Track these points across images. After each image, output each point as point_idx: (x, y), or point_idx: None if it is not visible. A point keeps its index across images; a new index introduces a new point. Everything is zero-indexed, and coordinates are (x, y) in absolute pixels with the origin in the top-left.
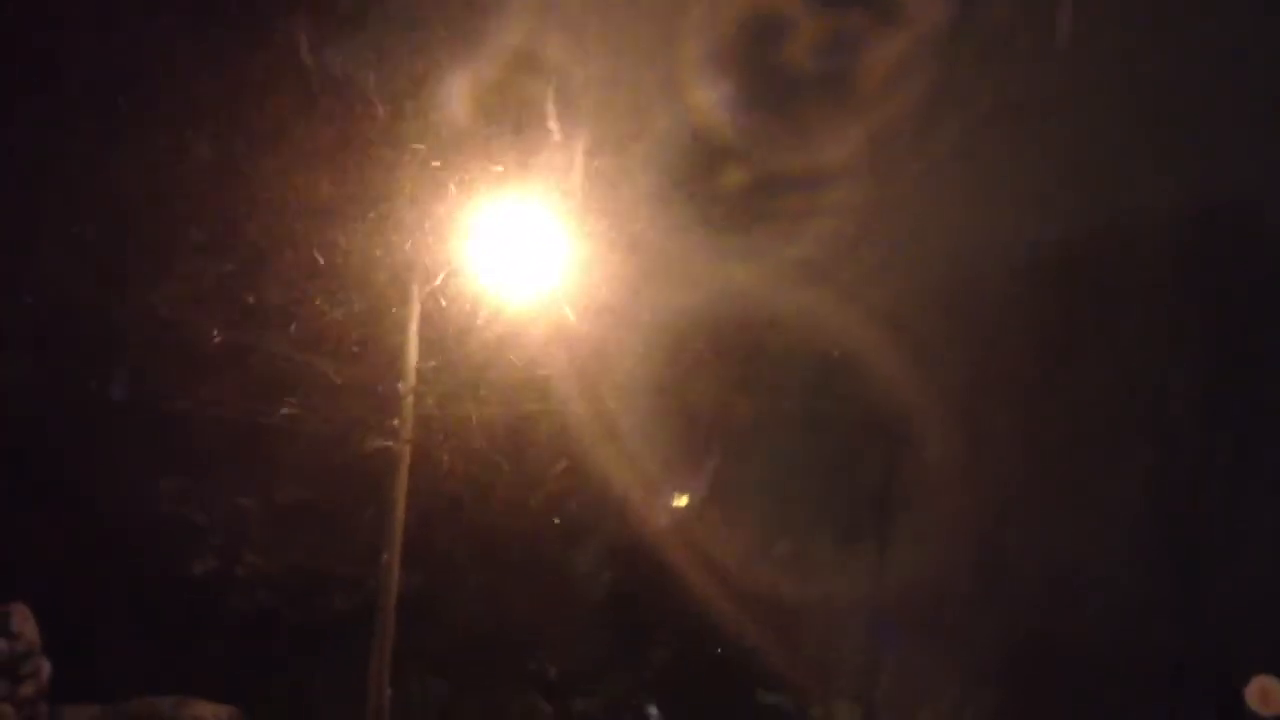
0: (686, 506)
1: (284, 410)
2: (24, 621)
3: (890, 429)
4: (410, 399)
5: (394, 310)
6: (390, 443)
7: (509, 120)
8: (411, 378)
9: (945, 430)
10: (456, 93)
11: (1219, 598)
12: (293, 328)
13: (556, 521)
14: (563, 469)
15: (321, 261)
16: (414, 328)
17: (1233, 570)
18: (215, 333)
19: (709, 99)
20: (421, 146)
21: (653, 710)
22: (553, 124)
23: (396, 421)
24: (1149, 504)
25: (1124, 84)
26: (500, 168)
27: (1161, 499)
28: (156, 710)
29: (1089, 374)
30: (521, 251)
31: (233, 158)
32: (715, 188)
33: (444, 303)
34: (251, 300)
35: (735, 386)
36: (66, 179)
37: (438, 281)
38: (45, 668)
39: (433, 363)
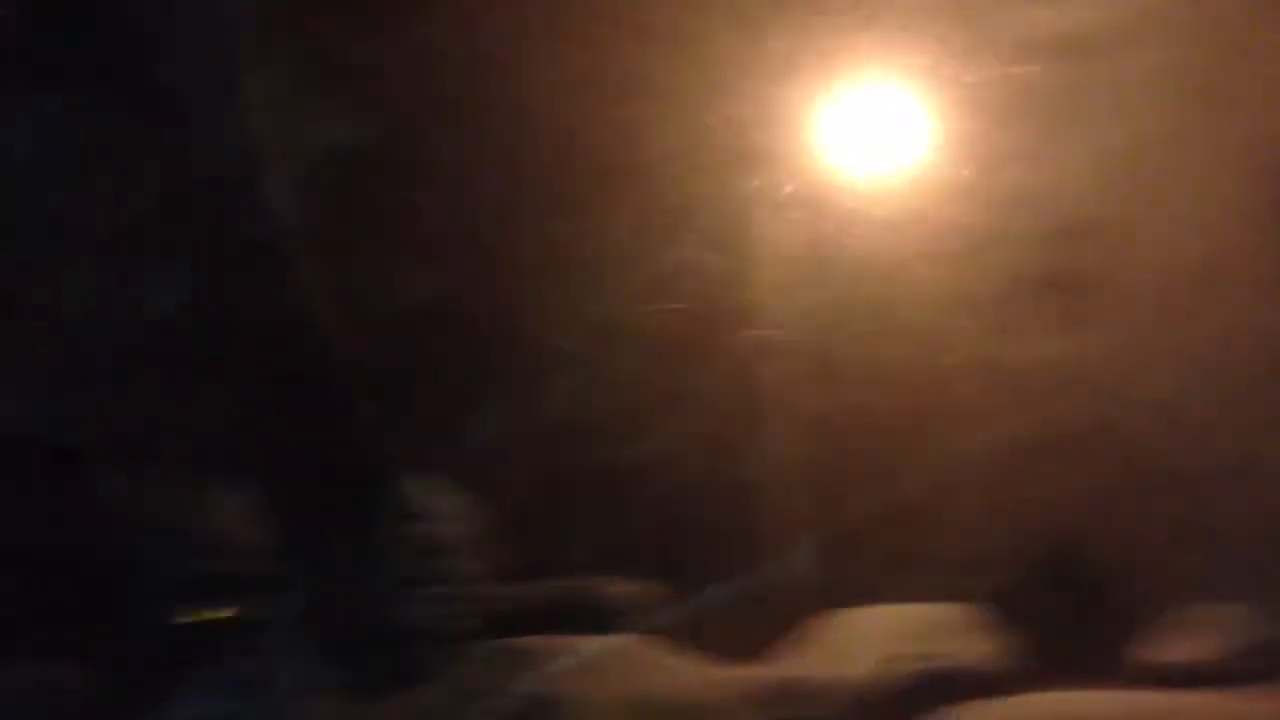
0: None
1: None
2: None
3: None
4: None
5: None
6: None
7: None
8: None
9: None
10: None
11: None
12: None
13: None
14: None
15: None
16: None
17: None
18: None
19: None
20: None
21: None
22: None
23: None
24: None
25: None
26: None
27: None
28: (582, 589)
29: None
30: (894, 137)
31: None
32: None
33: (791, 210)
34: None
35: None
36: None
37: (789, 188)
38: (488, 550)
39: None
